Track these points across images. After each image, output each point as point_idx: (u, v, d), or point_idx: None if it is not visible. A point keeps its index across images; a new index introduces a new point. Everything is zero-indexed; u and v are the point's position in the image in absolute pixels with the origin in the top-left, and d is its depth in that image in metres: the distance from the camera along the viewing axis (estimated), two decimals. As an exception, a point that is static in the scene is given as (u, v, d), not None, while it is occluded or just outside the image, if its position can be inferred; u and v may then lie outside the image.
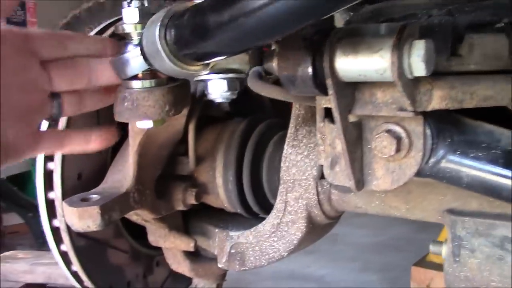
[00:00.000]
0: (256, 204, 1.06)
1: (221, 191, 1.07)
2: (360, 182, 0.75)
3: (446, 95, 0.66)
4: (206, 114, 1.13)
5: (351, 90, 0.70)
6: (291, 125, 0.94)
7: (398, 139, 0.69)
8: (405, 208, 0.90)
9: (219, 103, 1.15)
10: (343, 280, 3.16)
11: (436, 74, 0.69)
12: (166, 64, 0.64)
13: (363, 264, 3.36)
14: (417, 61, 0.60)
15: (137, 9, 0.72)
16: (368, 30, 0.66)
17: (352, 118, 0.73)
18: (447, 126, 0.71)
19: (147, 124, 0.78)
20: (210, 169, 1.08)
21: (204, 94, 1.04)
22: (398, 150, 0.70)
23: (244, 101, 1.16)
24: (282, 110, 1.11)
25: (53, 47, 0.70)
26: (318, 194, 0.94)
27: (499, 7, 0.71)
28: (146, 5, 0.73)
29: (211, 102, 1.14)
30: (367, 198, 0.92)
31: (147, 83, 0.74)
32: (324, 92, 0.67)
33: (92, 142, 0.76)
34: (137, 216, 1.01)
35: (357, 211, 0.97)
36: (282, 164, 0.95)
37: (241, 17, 0.53)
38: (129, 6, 0.72)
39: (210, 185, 1.08)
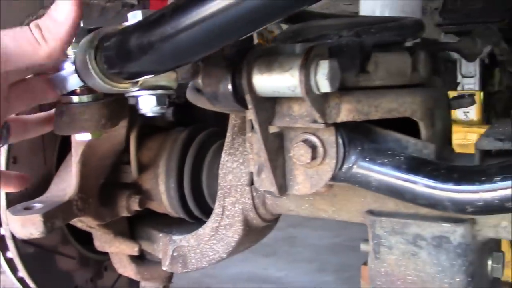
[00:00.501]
0: (197, 208, 1.12)
1: (164, 197, 1.12)
2: (283, 187, 0.81)
3: (353, 108, 0.74)
4: (150, 124, 1.19)
5: (270, 104, 0.77)
6: (228, 134, 1.01)
7: (313, 147, 0.76)
8: (332, 210, 0.97)
9: (162, 114, 1.21)
10: (300, 281, 3.25)
11: (346, 89, 0.77)
12: (97, 82, 0.70)
13: (320, 265, 3.46)
14: (322, 79, 0.67)
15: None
16: (283, 49, 0.73)
17: (273, 129, 0.80)
18: (358, 135, 0.79)
19: (86, 136, 0.84)
20: (153, 176, 1.13)
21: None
22: (313, 157, 0.77)
23: (187, 111, 1.23)
24: (223, 120, 1.17)
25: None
26: (253, 198, 1.01)
27: (404, 28, 0.79)
28: (81, 25, 0.78)
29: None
30: (298, 201, 0.99)
31: (84, 98, 0.79)
32: (245, 106, 0.74)
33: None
34: (82, 223, 1.05)
35: (290, 214, 1.05)
36: (219, 171, 1.02)
37: (159, 42, 0.59)
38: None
39: (153, 191, 1.13)
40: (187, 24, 0.56)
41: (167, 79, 0.76)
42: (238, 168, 1.00)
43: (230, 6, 0.52)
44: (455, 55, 2.42)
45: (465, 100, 0.90)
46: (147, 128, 1.17)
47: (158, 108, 0.76)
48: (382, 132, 0.82)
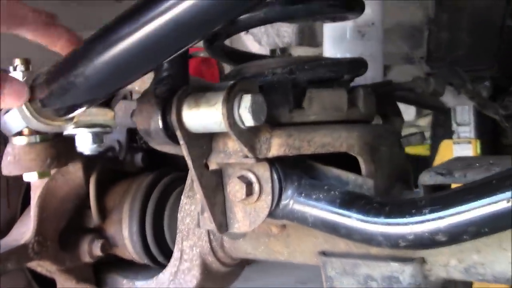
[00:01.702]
0: (160, 254, 1.11)
1: (128, 243, 1.12)
2: (223, 226, 0.81)
3: (284, 142, 0.74)
4: (118, 170, 1.21)
5: (206, 140, 0.78)
6: (188, 176, 1.01)
7: (248, 184, 0.76)
8: (287, 252, 0.96)
9: (132, 158, 1.23)
10: None
11: (281, 125, 0.77)
12: (32, 121, 0.72)
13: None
14: (245, 113, 0.68)
15: (21, 72, 0.80)
16: (213, 86, 0.74)
17: (213, 166, 0.80)
18: (296, 171, 0.78)
19: (32, 176, 0.85)
20: (117, 221, 1.13)
21: (105, 150, 1.12)
22: (249, 194, 0.77)
23: (156, 156, 1.24)
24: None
25: None
26: (210, 241, 1.00)
27: (338, 65, 0.80)
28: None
29: (125, 157, 1.22)
30: (254, 244, 0.98)
31: (31, 138, 0.82)
32: (177, 142, 0.75)
33: None
34: (41, 267, 1.05)
35: (249, 257, 1.03)
36: (178, 214, 1.01)
37: (81, 74, 0.62)
38: (14, 70, 0.80)
39: (118, 237, 1.13)
40: (105, 52, 0.59)
41: (104, 117, 0.78)
42: (196, 211, 1.00)
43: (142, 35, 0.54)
44: (449, 103, 2.42)
45: (414, 137, 0.90)
46: (114, 174, 1.19)
47: (95, 146, 0.77)
48: (323, 168, 0.81)
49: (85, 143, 0.76)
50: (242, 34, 2.26)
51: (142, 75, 0.63)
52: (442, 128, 2.38)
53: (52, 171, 0.96)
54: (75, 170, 0.99)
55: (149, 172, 1.19)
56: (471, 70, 2.02)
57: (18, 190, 1.12)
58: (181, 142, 0.74)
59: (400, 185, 0.91)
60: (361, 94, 0.82)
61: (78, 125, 0.75)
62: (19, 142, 0.82)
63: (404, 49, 1.98)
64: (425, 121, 4.52)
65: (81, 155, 0.98)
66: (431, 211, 0.67)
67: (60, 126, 0.74)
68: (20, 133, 0.82)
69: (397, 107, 1.06)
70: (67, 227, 1.08)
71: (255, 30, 2.21)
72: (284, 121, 0.78)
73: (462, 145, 2.27)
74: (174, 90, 0.74)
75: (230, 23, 0.82)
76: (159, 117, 0.73)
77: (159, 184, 1.13)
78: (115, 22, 0.57)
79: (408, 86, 0.99)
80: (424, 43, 1.83)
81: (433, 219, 0.66)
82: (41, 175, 0.85)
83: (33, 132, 0.82)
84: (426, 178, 0.80)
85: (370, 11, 1.13)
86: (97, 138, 0.77)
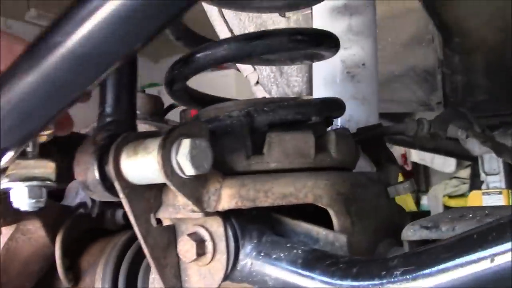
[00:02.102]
0: (135, 320, 1.01)
1: (101, 308, 1.02)
2: (176, 290, 0.71)
3: (235, 193, 0.65)
4: (98, 228, 1.12)
5: (154, 192, 0.69)
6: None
7: (200, 242, 0.67)
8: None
9: (113, 215, 1.15)
10: None
11: (236, 174, 0.68)
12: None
13: None
14: (183, 160, 0.60)
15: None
16: (157, 133, 0.66)
17: (166, 222, 0.71)
18: (256, 226, 0.68)
19: (-24, 237, 0.78)
20: (90, 283, 1.04)
21: (76, 206, 1.04)
22: (200, 253, 0.67)
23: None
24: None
25: None
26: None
27: (303, 106, 0.71)
28: None
29: (104, 214, 1.15)
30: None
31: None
32: (118, 196, 0.66)
33: None
34: (3, 336, 0.96)
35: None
36: (150, 275, 0.92)
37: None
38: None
39: (91, 301, 1.04)
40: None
41: (43, 169, 0.71)
42: (167, 272, 0.90)
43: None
44: (475, 151, 2.27)
45: (403, 186, 0.78)
46: (93, 232, 1.11)
47: (33, 201, 0.69)
48: (290, 223, 0.71)
49: (20, 198, 0.69)
50: (253, 85, 2.21)
51: (51, 118, 0.56)
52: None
53: (7, 231, 0.89)
54: (35, 229, 0.92)
55: (127, 230, 1.11)
56: (494, 116, 1.89)
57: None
58: (121, 195, 0.66)
59: (389, 241, 0.79)
60: (333, 137, 0.73)
61: (12, 179, 0.68)
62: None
63: (420, 94, 1.88)
64: (466, 173, 4.31)
65: (39, 212, 0.92)
66: (403, 274, 0.55)
67: (-9, 180, 0.67)
68: (-35, 189, 0.75)
69: (390, 153, 0.95)
70: (33, 291, 0.99)
71: (264, 81, 2.16)
72: (240, 170, 0.68)
73: (493, 196, 2.10)
74: (114, 137, 0.66)
75: (183, 64, 0.75)
76: (95, 168, 0.65)
77: (135, 243, 1.04)
78: (15, 63, 0.51)
79: (398, 129, 0.89)
80: (439, 87, 1.73)
81: (405, 282, 0.55)
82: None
83: (-21, 188, 0.76)
84: (410, 233, 0.69)
85: (361, 50, 1.04)
86: (34, 193, 0.69)
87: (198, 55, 0.73)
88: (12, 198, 0.69)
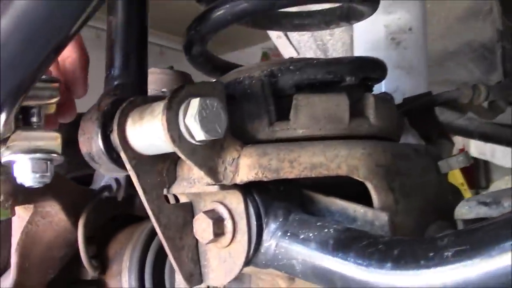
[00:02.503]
0: (162, 310, 0.94)
1: (128, 297, 0.96)
2: (194, 276, 0.63)
3: (255, 163, 0.56)
4: (128, 214, 1.07)
5: (167, 164, 0.62)
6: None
7: (217, 219, 0.58)
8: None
9: (141, 202, 1.08)
10: None
11: (258, 143, 0.59)
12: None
13: None
14: (192, 122, 0.51)
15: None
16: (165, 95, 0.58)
17: (183, 199, 0.64)
18: (283, 203, 0.59)
19: (-11, 217, 0.73)
20: (117, 272, 0.98)
21: (100, 189, 0.98)
22: (219, 233, 0.58)
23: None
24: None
25: None
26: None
27: (334, 64, 0.62)
28: None
29: (131, 200, 1.09)
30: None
31: (-17, 172, 0.70)
32: (125, 168, 0.59)
33: None
34: (26, 325, 0.91)
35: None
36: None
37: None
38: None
39: (118, 291, 0.98)
40: None
41: (48, 142, 0.64)
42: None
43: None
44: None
45: (455, 158, 0.67)
46: (121, 219, 1.05)
47: (37, 176, 0.63)
48: (324, 200, 0.62)
49: (23, 172, 0.63)
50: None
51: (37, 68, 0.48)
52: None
53: (26, 214, 0.84)
54: (55, 212, 0.86)
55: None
56: None
57: (8, 240, 1.01)
58: (127, 166, 0.58)
59: (440, 224, 0.68)
60: (371, 100, 0.63)
61: (13, 150, 0.62)
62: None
63: (477, 73, 1.72)
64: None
65: (56, 193, 0.86)
66: (456, 255, 0.45)
67: (-9, 152, 0.61)
68: (-25, 168, 0.71)
69: (443, 127, 0.83)
70: (57, 279, 0.94)
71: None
72: (263, 138, 0.59)
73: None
74: (118, 102, 0.59)
75: (200, 23, 0.67)
76: (99, 137, 0.58)
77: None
78: None
79: (450, 96, 0.78)
80: (498, 64, 1.57)
81: (458, 265, 0.44)
82: (1, 215, 0.73)
83: (-10, 165, 0.71)
84: (465, 210, 0.58)
85: (406, 14, 0.93)
86: (38, 166, 0.63)
87: (215, 10, 0.64)
88: (15, 173, 0.63)
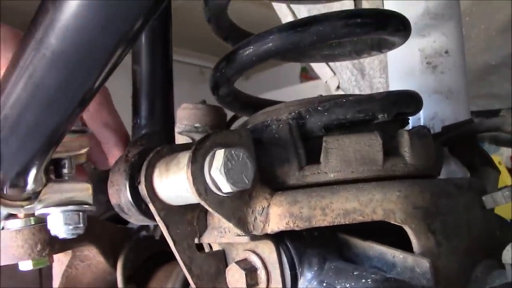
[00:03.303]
0: None
1: (170, 338, 0.95)
2: (230, 327, 0.61)
3: (286, 212, 0.54)
4: (165, 251, 1.06)
5: (195, 214, 0.60)
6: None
7: (250, 270, 0.57)
8: None
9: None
10: None
11: (288, 189, 0.57)
12: (-7, 203, 0.61)
13: None
14: (217, 174, 0.50)
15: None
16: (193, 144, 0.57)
17: (216, 247, 0.62)
18: (318, 250, 0.57)
19: (27, 265, 0.74)
20: (158, 311, 0.98)
21: (137, 231, 0.98)
22: (253, 283, 0.57)
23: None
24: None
25: None
26: None
27: (364, 102, 0.59)
28: None
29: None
30: None
31: (17, 222, 0.71)
32: (154, 219, 0.58)
33: None
34: None
35: None
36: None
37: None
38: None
39: (159, 329, 0.97)
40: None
41: (79, 193, 0.65)
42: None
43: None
44: None
45: (501, 193, 0.63)
46: (160, 256, 1.05)
47: (70, 228, 0.63)
48: (361, 245, 0.59)
49: (57, 225, 0.63)
50: (333, 91, 2.08)
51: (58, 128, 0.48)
52: None
53: (65, 258, 0.84)
54: (93, 255, 0.86)
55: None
56: None
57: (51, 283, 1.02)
58: (157, 218, 0.57)
59: (488, 263, 0.64)
60: (406, 138, 0.60)
61: (46, 204, 0.62)
62: (10, 226, 0.72)
63: (522, 86, 1.65)
64: None
65: (93, 237, 0.86)
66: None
67: (24, 206, 0.61)
68: (14, 215, 0.72)
69: (486, 154, 0.79)
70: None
71: (346, 85, 2.03)
72: (293, 183, 0.57)
73: None
74: (146, 151, 0.58)
75: (226, 65, 0.66)
76: (127, 188, 0.57)
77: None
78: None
79: (492, 124, 0.73)
80: (545, 75, 1.51)
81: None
82: (36, 264, 0.73)
83: (26, 215, 0.72)
84: (513, 254, 0.54)
85: (442, 36, 0.89)
86: (71, 218, 0.63)
87: (239, 52, 0.63)
88: (49, 226, 0.64)
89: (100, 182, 0.71)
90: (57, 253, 0.75)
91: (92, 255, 0.87)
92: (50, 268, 0.91)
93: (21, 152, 0.50)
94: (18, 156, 0.52)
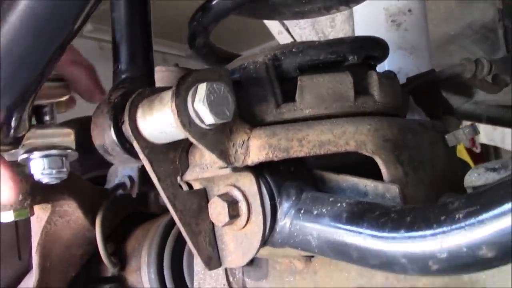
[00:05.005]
0: (182, 302, 0.95)
1: (148, 292, 0.98)
2: (213, 259, 0.64)
3: (265, 144, 0.57)
4: (143, 212, 1.08)
5: (179, 152, 0.63)
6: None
7: (232, 202, 0.60)
8: (317, 292, 0.76)
9: (156, 198, 1.10)
10: None
11: (266, 125, 0.61)
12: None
13: None
14: (200, 106, 0.53)
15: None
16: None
17: (197, 185, 0.65)
18: (294, 182, 0.61)
19: (8, 216, 0.75)
20: (136, 268, 1.00)
21: (114, 187, 1.00)
22: (235, 215, 0.60)
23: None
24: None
25: None
26: (229, 283, 0.83)
27: (335, 44, 0.63)
28: None
29: (148, 196, 1.11)
30: (279, 283, 0.80)
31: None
32: (139, 158, 0.60)
33: None
34: (49, 324, 0.93)
35: (276, 302, 0.84)
36: (194, 257, 0.86)
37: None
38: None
39: (138, 285, 1.00)
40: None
41: (61, 138, 0.66)
42: (211, 249, 0.84)
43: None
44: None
45: (462, 131, 0.68)
46: (138, 216, 1.07)
47: (53, 172, 0.65)
48: (335, 178, 0.63)
49: (40, 169, 0.64)
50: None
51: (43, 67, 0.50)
52: None
53: (44, 215, 0.86)
54: (72, 210, 0.88)
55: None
56: None
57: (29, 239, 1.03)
58: (141, 156, 0.60)
59: (450, 195, 0.69)
60: (375, 78, 0.64)
61: (29, 149, 0.64)
62: (-10, 178, 0.72)
63: (480, 55, 1.73)
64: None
65: (73, 192, 0.88)
66: (467, 216, 0.46)
67: (7, 151, 0.62)
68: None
69: (448, 103, 0.84)
70: (78, 277, 0.96)
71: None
72: (270, 120, 0.61)
73: None
74: (131, 94, 0.60)
75: (202, 13, 0.68)
76: (111, 128, 0.60)
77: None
78: None
79: (453, 72, 0.78)
80: (501, 44, 1.58)
81: (470, 226, 0.45)
82: (18, 215, 0.74)
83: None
84: (474, 177, 0.59)
85: (405, -5, 0.94)
86: (54, 162, 0.64)
87: (215, 0, 0.66)
88: (32, 170, 0.65)
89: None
90: (38, 204, 0.77)
91: (71, 210, 0.89)
92: (27, 228, 0.92)
93: (3, 95, 0.52)
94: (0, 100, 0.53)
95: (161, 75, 0.99)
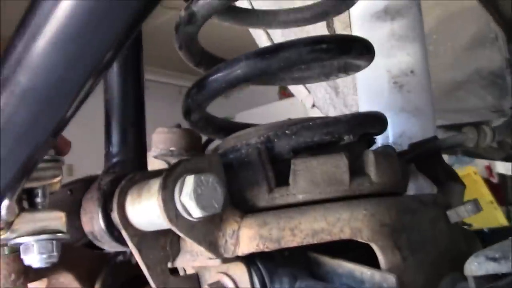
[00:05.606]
0: None
1: None
2: None
3: (256, 234, 0.55)
4: (142, 275, 1.06)
5: (168, 238, 0.61)
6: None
7: (223, 292, 0.58)
8: None
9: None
10: None
11: (259, 211, 0.59)
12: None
13: None
14: (187, 200, 0.52)
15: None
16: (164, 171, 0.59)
17: (190, 270, 0.63)
18: (288, 269, 0.58)
19: (0, 297, 0.73)
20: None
21: (114, 256, 0.98)
22: (226, 306, 0.58)
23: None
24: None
25: None
26: None
27: (330, 125, 0.61)
28: None
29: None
30: None
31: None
32: (127, 245, 0.59)
33: None
34: None
35: None
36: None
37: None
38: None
39: None
40: None
41: (52, 222, 0.65)
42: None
43: None
44: None
45: (464, 207, 0.66)
46: (137, 281, 1.05)
47: (44, 256, 0.63)
48: (331, 263, 0.60)
49: (30, 254, 0.63)
50: (309, 108, 2.11)
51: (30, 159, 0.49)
52: None
53: (41, 285, 0.84)
54: (69, 282, 0.86)
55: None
56: None
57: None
58: (130, 244, 0.58)
59: (454, 276, 0.66)
60: (371, 157, 0.62)
61: (20, 234, 0.63)
62: (-17, 257, 0.71)
63: (489, 100, 1.70)
64: None
65: (69, 264, 0.86)
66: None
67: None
68: (-10, 246, 0.71)
69: (452, 169, 0.82)
70: None
71: (320, 103, 2.06)
72: (263, 205, 0.59)
73: None
74: (118, 179, 0.59)
75: (197, 91, 0.68)
76: (100, 216, 0.58)
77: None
78: None
79: (456, 141, 0.76)
80: (509, 89, 1.55)
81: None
82: (11, 294, 0.73)
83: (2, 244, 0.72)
84: (474, 267, 0.57)
85: (407, 57, 0.93)
86: (44, 247, 0.63)
87: (209, 79, 0.65)
88: (22, 255, 0.64)
89: (76, 207, 0.72)
90: (32, 281, 0.75)
91: (68, 282, 0.87)
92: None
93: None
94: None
95: (163, 137, 0.99)
